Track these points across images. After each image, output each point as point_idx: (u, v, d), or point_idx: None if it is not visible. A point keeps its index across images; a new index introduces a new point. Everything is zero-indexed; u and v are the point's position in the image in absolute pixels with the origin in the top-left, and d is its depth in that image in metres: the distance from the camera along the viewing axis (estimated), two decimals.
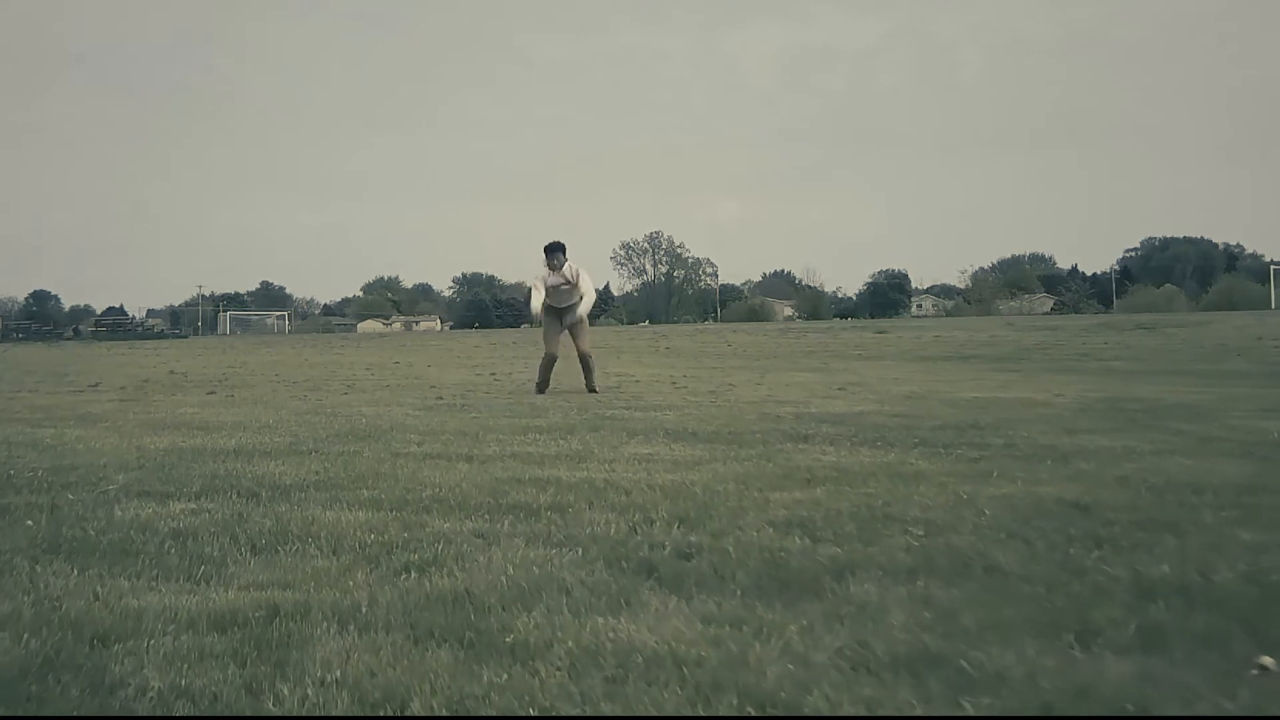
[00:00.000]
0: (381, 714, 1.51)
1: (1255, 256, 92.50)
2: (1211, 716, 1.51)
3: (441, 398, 7.92)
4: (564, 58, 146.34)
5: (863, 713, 1.51)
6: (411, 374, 11.49)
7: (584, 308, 8.15)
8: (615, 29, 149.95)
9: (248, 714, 1.53)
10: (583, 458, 4.25)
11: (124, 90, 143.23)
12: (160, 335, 57.44)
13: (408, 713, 1.52)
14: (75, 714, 1.56)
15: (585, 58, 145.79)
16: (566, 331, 8.12)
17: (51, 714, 1.56)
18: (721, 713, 1.51)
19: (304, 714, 1.53)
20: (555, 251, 8.04)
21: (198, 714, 1.53)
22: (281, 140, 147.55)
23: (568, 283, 8.02)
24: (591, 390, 7.99)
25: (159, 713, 1.54)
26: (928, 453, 4.27)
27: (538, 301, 8.14)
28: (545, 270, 8.10)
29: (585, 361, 8.12)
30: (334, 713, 1.53)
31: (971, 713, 1.51)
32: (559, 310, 8.11)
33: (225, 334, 64.02)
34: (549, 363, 8.06)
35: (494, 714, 1.51)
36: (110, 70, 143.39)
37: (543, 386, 8.12)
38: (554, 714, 1.50)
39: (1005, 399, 7.48)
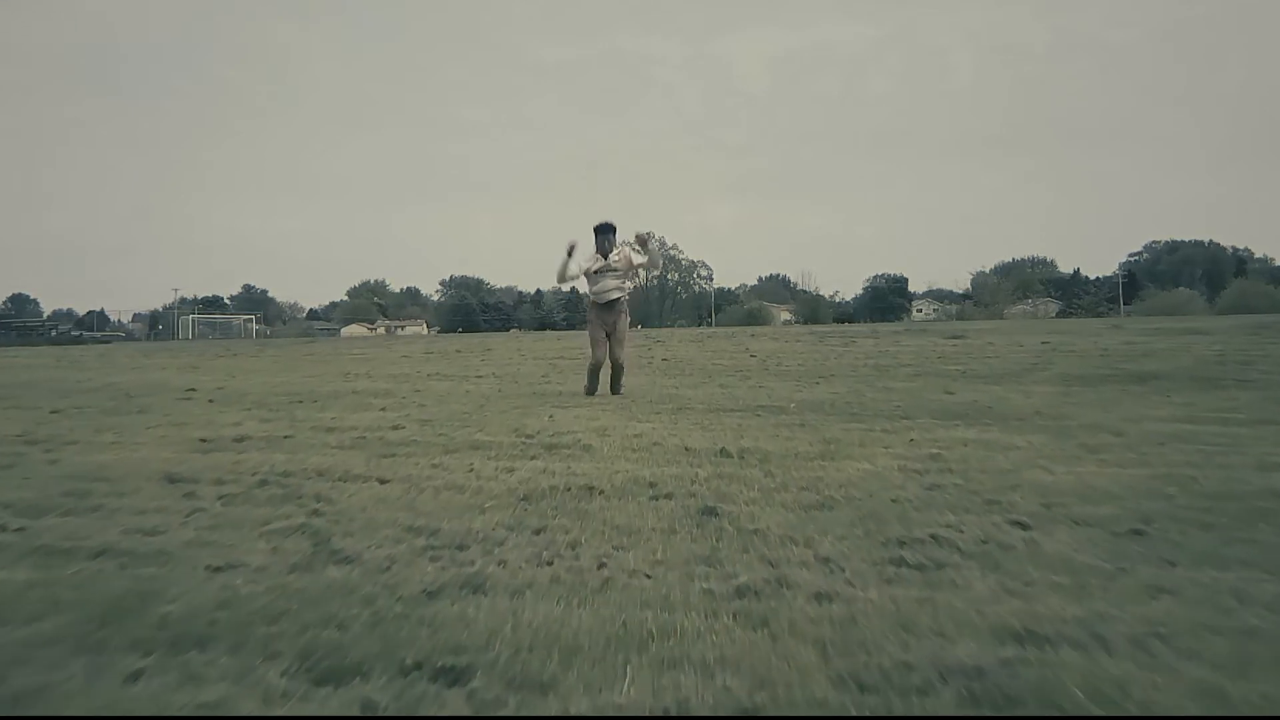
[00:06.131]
0: None
1: (1265, 260, 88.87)
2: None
3: None
4: (556, 61, 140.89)
5: None
6: (136, 436, 5.19)
7: (652, 267, 7.87)
8: (610, 33, 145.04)
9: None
10: None
11: (120, 92, 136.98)
12: (78, 340, 50.63)
13: None
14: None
15: (579, 61, 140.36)
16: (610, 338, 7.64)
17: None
18: None
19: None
20: (606, 233, 7.58)
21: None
22: (271, 144, 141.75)
23: (617, 270, 7.54)
24: (616, 393, 7.63)
25: None
26: None
27: (575, 267, 7.47)
28: (593, 254, 7.55)
29: (616, 368, 7.68)
30: None
31: None
32: (602, 309, 7.56)
33: (187, 339, 57.92)
34: (596, 368, 7.67)
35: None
36: (107, 72, 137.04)
37: (592, 389, 7.74)
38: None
39: None
